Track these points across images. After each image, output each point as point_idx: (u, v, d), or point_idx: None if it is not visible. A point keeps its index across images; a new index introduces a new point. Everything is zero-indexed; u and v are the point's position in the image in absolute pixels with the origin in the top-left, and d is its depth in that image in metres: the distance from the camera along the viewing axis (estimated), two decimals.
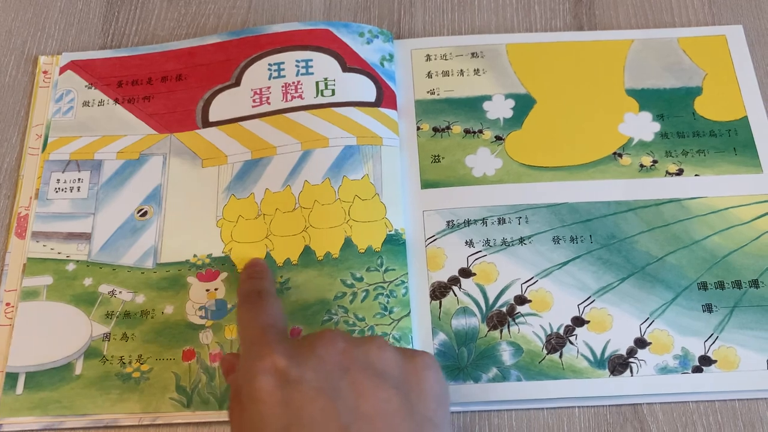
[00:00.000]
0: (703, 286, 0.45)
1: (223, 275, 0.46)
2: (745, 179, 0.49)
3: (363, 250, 0.46)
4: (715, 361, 0.43)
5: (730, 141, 0.50)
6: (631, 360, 0.44)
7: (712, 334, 0.44)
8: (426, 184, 0.49)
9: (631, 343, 0.44)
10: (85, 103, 0.52)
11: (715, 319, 0.44)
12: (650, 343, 0.44)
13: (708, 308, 0.45)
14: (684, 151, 0.49)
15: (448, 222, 0.48)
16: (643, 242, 0.47)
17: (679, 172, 0.49)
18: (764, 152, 0.49)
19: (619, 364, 0.43)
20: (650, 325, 0.44)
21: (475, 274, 0.46)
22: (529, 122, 0.51)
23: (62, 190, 0.49)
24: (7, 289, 0.47)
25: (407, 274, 0.46)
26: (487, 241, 0.47)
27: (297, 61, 0.52)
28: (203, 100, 0.52)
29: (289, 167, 0.49)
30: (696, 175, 0.49)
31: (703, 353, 0.44)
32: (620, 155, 0.49)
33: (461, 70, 0.52)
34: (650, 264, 0.46)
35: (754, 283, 0.45)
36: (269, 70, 0.52)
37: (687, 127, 0.50)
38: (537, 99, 0.51)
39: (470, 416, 0.43)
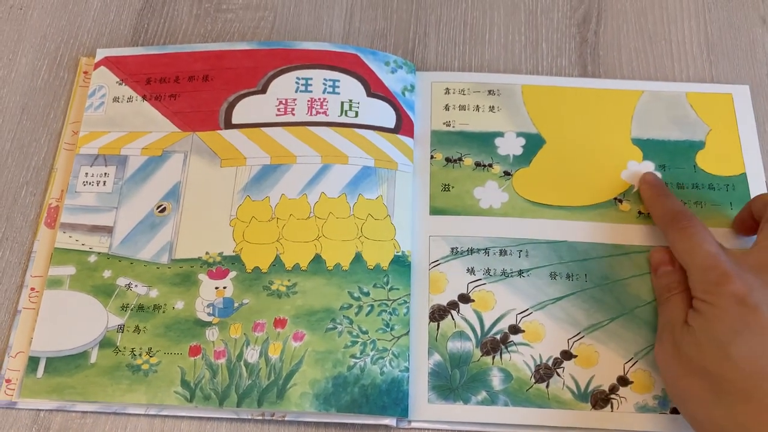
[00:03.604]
0: None
1: (232, 274, 0.48)
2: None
3: (372, 267, 0.48)
4: None
5: (727, 195, 0.51)
6: (612, 396, 0.45)
7: None
8: (434, 211, 0.51)
9: (614, 381, 0.45)
10: (116, 99, 0.53)
11: None
12: (632, 382, 0.45)
13: None
14: (682, 201, 0.50)
15: (452, 248, 0.49)
16: (634, 285, 0.48)
17: None
18: None
19: (600, 399, 0.45)
20: (634, 364, 0.46)
21: (473, 301, 0.48)
22: (537, 161, 0.52)
23: (89, 183, 0.50)
24: (34, 274, 0.48)
25: (410, 294, 0.47)
26: (488, 271, 0.49)
27: (325, 79, 0.53)
28: (227, 102, 0.53)
29: (307, 177, 0.50)
30: None
31: None
32: (620, 201, 0.51)
33: (477, 106, 0.54)
34: (639, 307, 0.47)
35: None
36: (297, 83, 0.53)
37: (687, 179, 0.52)
38: (547, 139, 0.53)
39: None
